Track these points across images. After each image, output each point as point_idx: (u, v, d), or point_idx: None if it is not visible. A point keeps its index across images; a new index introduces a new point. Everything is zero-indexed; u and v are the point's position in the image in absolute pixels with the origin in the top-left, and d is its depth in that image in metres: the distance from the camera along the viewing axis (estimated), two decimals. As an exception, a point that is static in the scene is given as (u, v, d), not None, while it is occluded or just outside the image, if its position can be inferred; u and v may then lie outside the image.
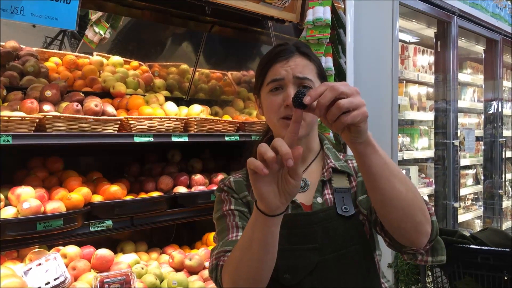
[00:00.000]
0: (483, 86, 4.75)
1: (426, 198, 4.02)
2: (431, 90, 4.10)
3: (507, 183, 4.86)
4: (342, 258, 1.27)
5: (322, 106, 0.94)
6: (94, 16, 3.10)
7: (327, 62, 2.68)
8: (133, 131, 2.21)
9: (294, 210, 1.33)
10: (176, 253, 2.49)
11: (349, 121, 0.93)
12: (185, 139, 2.36)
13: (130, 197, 2.31)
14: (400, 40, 3.53)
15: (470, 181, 4.68)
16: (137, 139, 2.18)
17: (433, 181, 3.93)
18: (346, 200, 1.33)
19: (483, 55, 4.74)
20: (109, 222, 2.12)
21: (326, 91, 0.93)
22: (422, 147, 3.97)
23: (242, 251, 1.13)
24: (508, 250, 2.22)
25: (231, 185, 1.44)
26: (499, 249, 2.26)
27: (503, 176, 4.62)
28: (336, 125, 0.96)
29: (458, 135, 3.85)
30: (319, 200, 1.34)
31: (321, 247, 1.26)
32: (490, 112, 4.69)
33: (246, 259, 1.12)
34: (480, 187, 4.73)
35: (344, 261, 1.27)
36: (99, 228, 2.09)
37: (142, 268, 2.26)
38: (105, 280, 2.03)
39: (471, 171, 4.73)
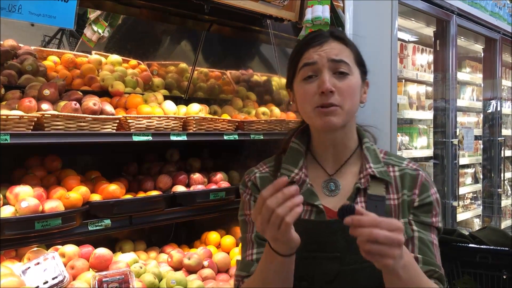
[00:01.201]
0: (482, 85, 4.74)
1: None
2: (430, 89, 4.09)
3: (506, 182, 4.86)
4: (364, 270, 1.19)
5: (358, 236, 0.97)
6: (93, 14, 3.09)
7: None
8: (131, 130, 2.20)
9: (317, 216, 1.24)
10: (175, 252, 2.49)
11: (374, 260, 0.97)
12: (184, 138, 2.35)
13: (128, 196, 2.31)
14: (399, 39, 3.52)
15: (469, 180, 4.68)
16: (135, 138, 2.17)
17: (432, 180, 3.93)
18: (379, 210, 1.21)
19: (482, 54, 4.74)
20: (107, 221, 2.12)
21: (367, 229, 0.95)
22: (421, 146, 3.97)
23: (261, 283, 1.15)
24: (507, 249, 2.22)
25: (256, 181, 1.33)
26: (498, 248, 2.25)
27: (502, 175, 4.62)
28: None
29: (457, 134, 3.84)
30: None
31: (342, 257, 1.18)
32: (489, 111, 4.69)
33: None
34: (479, 186, 4.73)
35: (364, 274, 1.19)
36: (97, 227, 2.09)
37: (141, 267, 2.26)
38: (103, 279, 2.02)
39: (470, 170, 4.73)
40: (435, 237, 1.26)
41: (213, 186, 2.58)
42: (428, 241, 1.24)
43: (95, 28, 3.07)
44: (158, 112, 2.40)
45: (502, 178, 4.61)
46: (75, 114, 2.01)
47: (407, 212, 1.25)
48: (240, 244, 1.34)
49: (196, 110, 2.57)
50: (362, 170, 1.28)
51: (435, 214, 1.27)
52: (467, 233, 2.44)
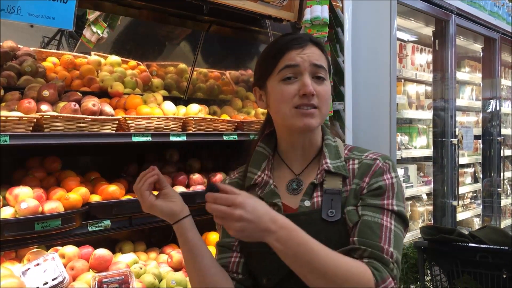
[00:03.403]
0: (481, 85, 4.74)
1: (425, 196, 4.03)
2: (429, 88, 4.10)
3: (505, 181, 4.86)
4: None
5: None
6: (92, 15, 3.09)
7: (325, 61, 2.68)
8: (131, 131, 2.20)
9: None
10: (175, 253, 2.49)
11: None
12: (183, 138, 2.35)
13: (128, 197, 2.31)
14: (398, 39, 3.53)
15: (468, 179, 4.68)
16: (135, 139, 2.17)
17: (432, 180, 3.93)
18: (335, 203, 1.24)
19: (481, 54, 4.74)
20: (107, 222, 2.12)
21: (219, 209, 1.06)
22: (421, 145, 3.97)
23: (188, 271, 1.30)
24: (507, 248, 2.22)
25: None
26: (498, 247, 2.25)
27: (502, 174, 4.62)
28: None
29: (457, 134, 3.84)
30: (307, 203, 1.26)
31: None
32: (489, 110, 4.69)
33: (190, 274, 1.29)
34: (478, 186, 4.73)
35: None
36: (97, 228, 2.09)
37: (141, 268, 2.26)
38: (103, 280, 2.02)
39: (470, 170, 4.73)
40: (388, 219, 1.21)
41: (213, 187, 2.58)
42: (374, 222, 1.20)
43: (94, 29, 3.06)
44: (158, 112, 2.40)
45: (501, 178, 4.61)
46: (75, 115, 2.01)
47: (353, 200, 1.24)
48: None
49: (195, 110, 2.57)
50: (319, 166, 1.31)
51: (387, 196, 1.24)
52: (467, 233, 2.44)
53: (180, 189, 2.50)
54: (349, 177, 1.28)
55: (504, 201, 4.85)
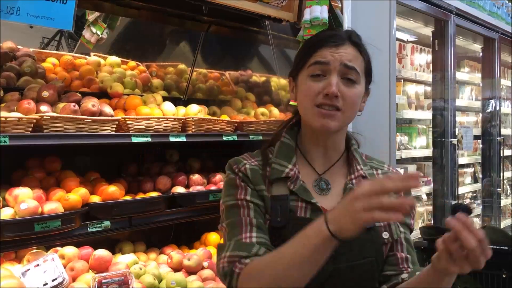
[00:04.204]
0: (481, 85, 4.75)
1: (425, 196, 4.03)
2: (429, 88, 4.10)
3: (505, 181, 4.86)
4: (357, 268, 1.20)
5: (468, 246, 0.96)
6: (91, 16, 3.09)
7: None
8: (130, 131, 2.20)
9: (313, 214, 1.22)
10: (175, 253, 2.49)
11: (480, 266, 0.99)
12: (183, 139, 2.35)
13: (128, 198, 2.31)
14: (398, 39, 3.52)
15: (468, 179, 4.68)
16: (134, 139, 2.17)
17: (431, 180, 3.93)
18: None
19: (481, 54, 4.74)
20: (107, 223, 2.11)
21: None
22: (420, 146, 3.97)
23: (287, 269, 1.04)
24: (507, 248, 2.23)
25: (246, 173, 1.27)
26: (498, 247, 2.26)
27: (501, 174, 4.62)
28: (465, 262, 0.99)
29: (456, 134, 3.85)
30: None
31: (336, 256, 1.14)
32: (488, 110, 4.69)
33: (290, 276, 1.04)
34: (478, 186, 4.73)
35: (358, 272, 1.20)
36: (97, 229, 2.09)
37: (141, 269, 2.26)
38: (103, 281, 2.02)
39: (469, 170, 4.73)
40: (409, 233, 1.35)
41: (213, 187, 2.58)
42: (411, 241, 1.32)
43: (94, 30, 3.06)
44: (157, 113, 2.40)
45: (501, 178, 4.61)
46: (74, 116, 2.01)
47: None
48: (227, 230, 1.25)
49: (195, 111, 2.57)
50: (352, 171, 1.30)
51: (412, 216, 1.34)
52: (466, 233, 2.44)
53: (180, 189, 2.50)
54: None
55: (503, 201, 4.85)
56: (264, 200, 1.25)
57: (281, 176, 1.26)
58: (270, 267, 1.08)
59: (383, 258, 1.25)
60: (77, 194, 2.08)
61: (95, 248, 2.28)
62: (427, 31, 3.99)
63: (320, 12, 2.62)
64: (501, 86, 4.83)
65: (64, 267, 2.07)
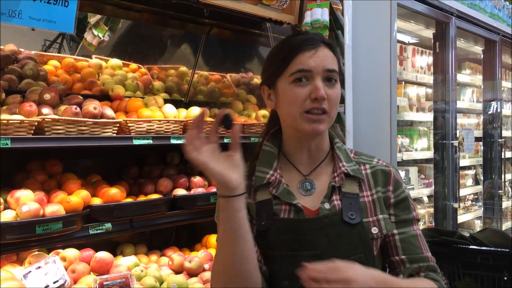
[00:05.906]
0: (482, 87, 4.75)
1: (426, 198, 4.03)
2: (430, 91, 4.10)
3: (506, 183, 4.86)
4: None
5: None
6: (93, 19, 3.10)
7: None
8: (132, 134, 2.21)
9: (296, 215, 1.27)
10: (176, 256, 2.49)
11: None
12: (184, 141, 2.35)
13: (129, 200, 2.31)
14: (399, 41, 3.53)
15: (469, 181, 4.68)
16: (136, 142, 2.18)
17: (433, 182, 3.93)
18: (354, 207, 1.26)
19: (482, 56, 4.74)
20: (108, 225, 2.12)
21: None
22: (422, 148, 3.97)
23: (220, 251, 1.18)
24: (508, 250, 2.22)
25: None
26: (499, 249, 2.26)
27: (503, 176, 4.62)
28: None
29: (457, 136, 3.85)
30: (327, 206, 1.27)
31: (323, 254, 1.20)
32: (489, 112, 4.69)
33: (223, 256, 1.17)
34: (479, 188, 4.73)
35: None
36: (98, 231, 2.09)
37: (142, 271, 2.26)
38: (104, 283, 2.03)
39: (471, 172, 4.72)
40: (417, 228, 1.32)
41: (214, 189, 2.59)
42: (411, 236, 1.30)
43: (96, 32, 3.08)
44: (159, 115, 2.40)
45: (503, 180, 4.61)
46: (76, 118, 2.02)
47: (385, 208, 1.30)
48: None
49: (196, 113, 2.57)
50: (335, 169, 1.32)
51: (413, 208, 1.33)
52: (468, 235, 2.44)
53: (181, 191, 2.50)
54: (364, 181, 1.32)
55: (505, 203, 4.85)
56: (249, 209, 1.27)
57: (263, 182, 1.31)
58: (215, 259, 1.23)
59: (373, 254, 1.27)
60: (79, 197, 2.08)
61: (97, 250, 2.28)
62: (428, 33, 3.99)
63: (321, 14, 2.63)
64: (502, 88, 4.83)
65: (66, 269, 2.07)
